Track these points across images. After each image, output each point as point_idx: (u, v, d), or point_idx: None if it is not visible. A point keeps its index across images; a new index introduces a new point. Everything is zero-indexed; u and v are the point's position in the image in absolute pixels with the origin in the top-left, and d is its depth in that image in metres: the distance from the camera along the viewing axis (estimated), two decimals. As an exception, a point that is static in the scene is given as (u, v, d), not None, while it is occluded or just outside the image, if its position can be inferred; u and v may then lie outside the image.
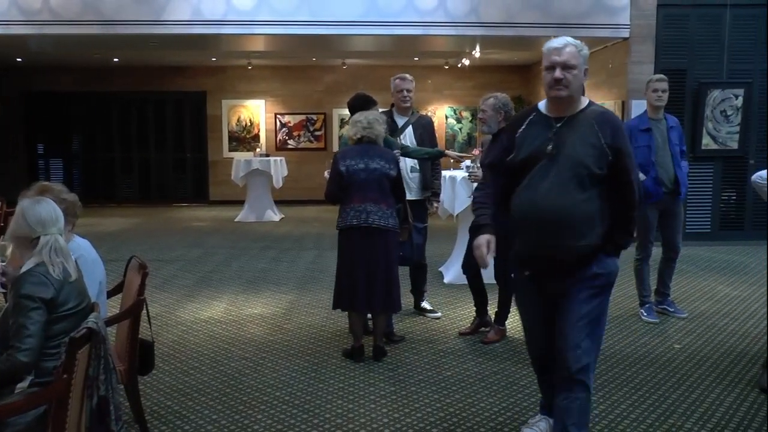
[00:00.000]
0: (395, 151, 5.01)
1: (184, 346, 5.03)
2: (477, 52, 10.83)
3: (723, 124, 9.23)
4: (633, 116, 9.16)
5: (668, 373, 4.50)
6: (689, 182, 9.30)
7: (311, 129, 14.70)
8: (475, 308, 5.35)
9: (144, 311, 3.42)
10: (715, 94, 9.15)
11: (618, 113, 9.52)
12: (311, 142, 14.72)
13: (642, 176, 4.88)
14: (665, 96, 5.54)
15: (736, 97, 9.19)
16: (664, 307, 5.87)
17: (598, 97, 10.31)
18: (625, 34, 9.20)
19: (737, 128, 9.28)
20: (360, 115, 4.64)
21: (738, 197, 9.69)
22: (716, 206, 9.52)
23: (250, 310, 6.01)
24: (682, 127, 5.92)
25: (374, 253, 4.51)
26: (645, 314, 5.72)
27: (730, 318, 5.82)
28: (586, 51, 3.05)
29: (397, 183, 4.65)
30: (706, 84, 9.11)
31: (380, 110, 5.45)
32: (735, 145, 9.29)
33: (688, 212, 9.48)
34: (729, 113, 9.24)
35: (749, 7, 9.20)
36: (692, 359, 4.78)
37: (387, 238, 4.55)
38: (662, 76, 5.63)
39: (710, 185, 9.46)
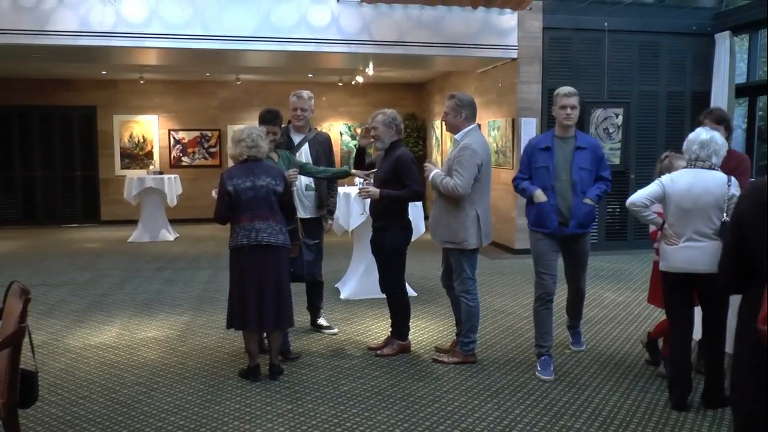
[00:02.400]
0: (292, 170, 5.00)
1: (73, 375, 4.77)
2: (370, 70, 10.97)
3: (606, 141, 9.77)
4: (523, 134, 9.61)
5: (559, 377, 4.69)
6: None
7: (206, 146, 14.41)
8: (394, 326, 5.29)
9: (26, 339, 3.22)
10: (598, 113, 9.69)
11: (509, 131, 9.90)
12: (206, 159, 14.42)
13: (540, 199, 4.67)
14: (575, 113, 4.72)
15: (617, 115, 9.78)
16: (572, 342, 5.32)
17: (490, 115, 10.71)
18: (514, 54, 9.59)
19: (619, 145, 9.86)
20: (242, 133, 4.54)
21: (621, 210, 10.26)
22: (602, 218, 10.04)
23: (144, 334, 5.79)
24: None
25: (264, 270, 4.46)
26: (539, 368, 4.74)
27: (615, 323, 6.14)
28: None
29: (285, 199, 4.62)
30: (589, 103, 9.63)
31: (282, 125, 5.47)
32: (617, 161, 9.85)
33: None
34: (611, 131, 9.81)
35: (625, 33, 9.88)
36: (581, 363, 5.00)
37: (277, 255, 4.51)
38: (571, 89, 4.72)
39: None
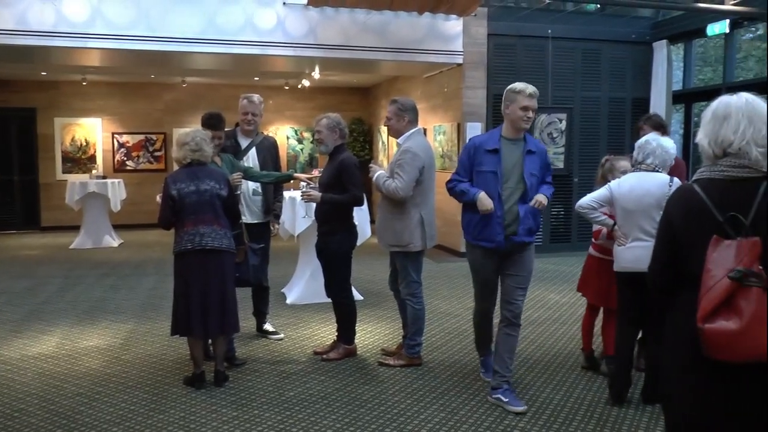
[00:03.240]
0: (237, 174, 4.97)
1: (9, 387, 4.61)
2: (316, 74, 10.97)
3: (550, 145, 9.98)
4: (468, 138, 9.71)
5: (503, 379, 4.76)
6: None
7: (151, 149, 14.15)
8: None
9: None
10: (542, 118, 9.89)
11: (454, 135, 10.01)
12: (151, 163, 14.16)
13: (486, 206, 4.09)
14: (534, 116, 4.24)
15: (560, 120, 10.00)
16: (498, 396, 4.26)
17: (436, 120, 10.82)
18: (459, 60, 9.72)
19: (563, 149, 10.08)
20: (186, 136, 4.50)
21: (565, 213, 10.50)
22: (547, 221, 10.23)
23: (86, 343, 5.65)
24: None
25: (209, 275, 4.42)
26: (483, 371, 4.64)
27: (559, 323, 6.28)
28: None
29: (229, 203, 4.57)
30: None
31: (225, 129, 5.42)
32: (561, 165, 10.07)
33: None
34: (555, 135, 10.02)
35: (568, 40, 10.12)
36: (525, 364, 5.09)
37: (221, 260, 4.46)
38: (535, 90, 4.19)
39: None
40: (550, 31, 9.88)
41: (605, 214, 4.33)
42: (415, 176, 4.71)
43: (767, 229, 2.08)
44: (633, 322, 4.24)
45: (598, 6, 10.13)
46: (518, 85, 4.17)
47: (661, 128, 4.90)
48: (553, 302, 7.14)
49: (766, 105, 2.19)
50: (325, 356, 5.15)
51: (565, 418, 4.08)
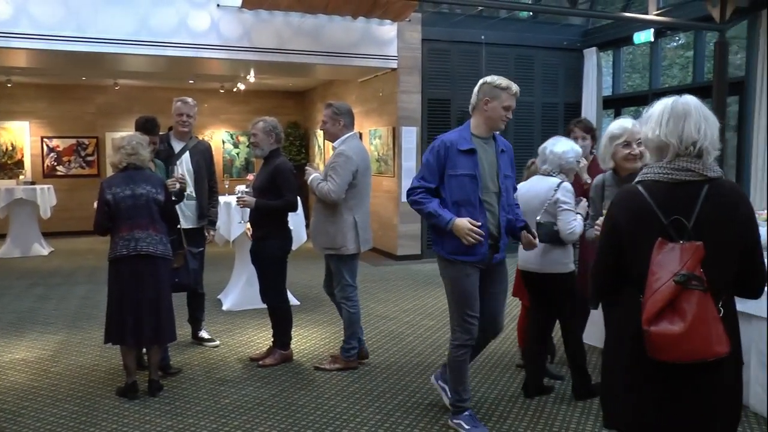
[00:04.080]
0: (179, 176, 4.91)
1: (-74, 403, 4.43)
2: (252, 77, 10.90)
3: (484, 148, 10.13)
4: (403, 142, 9.82)
5: (438, 380, 4.84)
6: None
7: (83, 154, 13.75)
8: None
9: None
10: (476, 122, 10.02)
11: (390, 139, 10.09)
12: (83, 168, 13.77)
13: (466, 234, 3.58)
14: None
15: (494, 124, 10.16)
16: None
17: (371, 124, 10.88)
18: (394, 64, 9.81)
19: (497, 153, 10.24)
20: (123, 140, 4.44)
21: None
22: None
23: (11, 356, 5.45)
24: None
25: (143, 281, 4.34)
26: (466, 427, 3.86)
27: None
28: None
29: (167, 207, 4.51)
30: (468, 112, 9.92)
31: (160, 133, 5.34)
32: (495, 168, 10.23)
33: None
34: (489, 139, 10.18)
35: (501, 46, 10.33)
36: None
37: (156, 266, 4.39)
38: (518, 88, 3.88)
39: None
40: (483, 37, 10.07)
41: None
42: (348, 179, 4.75)
43: (708, 232, 2.12)
44: (534, 316, 4.49)
45: (531, 13, 10.40)
46: (502, 81, 3.77)
47: (590, 132, 5.06)
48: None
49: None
50: (261, 362, 5.13)
51: (500, 415, 4.17)
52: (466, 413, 3.90)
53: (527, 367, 4.54)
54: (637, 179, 2.28)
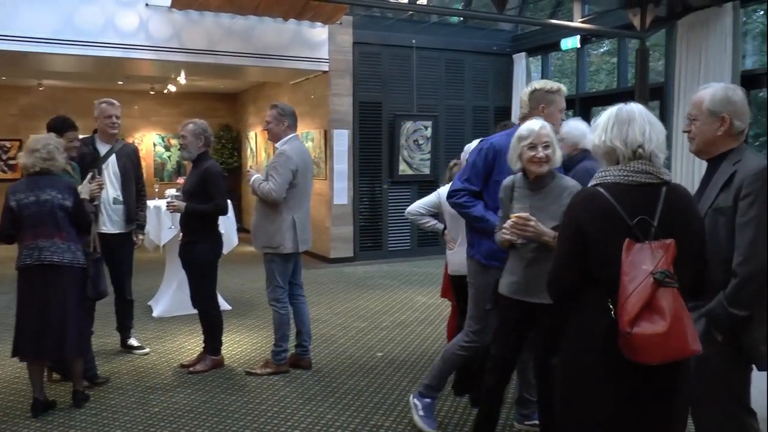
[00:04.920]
0: (96, 180, 4.74)
1: None
2: (182, 78, 10.73)
3: (416, 152, 10.30)
4: (335, 145, 9.83)
5: (371, 380, 4.89)
6: (391, 205, 10.32)
7: (4, 157, 13.22)
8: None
9: None
10: (408, 125, 10.18)
11: (322, 142, 10.09)
12: (4, 172, 13.20)
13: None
14: None
15: (426, 127, 10.34)
16: None
17: (303, 127, 10.83)
18: (325, 67, 9.82)
19: (428, 155, 10.43)
20: (38, 143, 4.21)
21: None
22: (414, 225, 10.45)
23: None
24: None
25: (48, 292, 4.14)
26: (422, 413, 3.98)
27: (426, 323, 6.50)
28: None
29: (76, 213, 4.27)
30: (400, 116, 10.10)
31: (81, 136, 5.19)
32: (427, 171, 10.42)
33: (389, 232, 10.40)
34: (421, 142, 10.35)
35: (432, 50, 10.48)
36: (392, 365, 5.24)
37: (62, 275, 4.18)
38: (565, 87, 3.86)
39: (407, 206, 10.35)
40: (414, 41, 10.19)
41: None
42: (288, 178, 4.77)
43: (670, 233, 2.15)
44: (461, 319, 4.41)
45: (461, 18, 10.58)
46: (552, 84, 3.73)
47: None
48: (420, 304, 7.37)
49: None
50: (191, 369, 5.06)
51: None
52: (428, 400, 3.97)
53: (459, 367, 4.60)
54: (594, 182, 2.30)
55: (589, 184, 2.32)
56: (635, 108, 2.30)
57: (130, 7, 8.54)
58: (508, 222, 3.10)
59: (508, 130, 3.71)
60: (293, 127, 5.02)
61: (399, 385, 4.77)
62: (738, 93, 2.67)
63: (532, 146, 3.17)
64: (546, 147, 3.18)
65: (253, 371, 5.01)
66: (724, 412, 2.63)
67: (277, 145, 4.98)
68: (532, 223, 3.05)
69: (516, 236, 3.09)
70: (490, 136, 3.93)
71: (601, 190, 2.23)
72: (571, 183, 3.28)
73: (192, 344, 5.75)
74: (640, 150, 2.23)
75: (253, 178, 4.89)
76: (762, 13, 10.45)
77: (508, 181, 3.36)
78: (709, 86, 2.72)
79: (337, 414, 4.25)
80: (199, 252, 4.94)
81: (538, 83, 3.74)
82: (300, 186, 4.89)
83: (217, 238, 5.09)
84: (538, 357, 3.33)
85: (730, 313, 2.47)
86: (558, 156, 3.21)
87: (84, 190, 4.57)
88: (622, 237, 2.14)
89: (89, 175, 4.77)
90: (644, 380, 2.17)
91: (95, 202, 4.77)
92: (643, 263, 2.08)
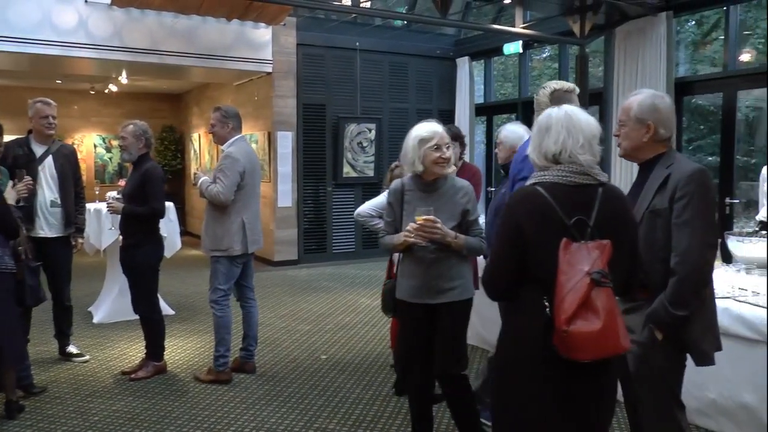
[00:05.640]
0: (25, 181, 4.52)
1: None
2: (124, 78, 10.51)
3: (360, 154, 10.34)
4: (279, 147, 9.79)
5: (315, 382, 4.91)
6: (335, 208, 10.33)
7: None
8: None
9: None
10: (352, 128, 10.22)
11: (266, 144, 10.04)
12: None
13: None
14: None
15: (370, 130, 10.39)
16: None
17: (247, 129, 10.72)
18: (269, 69, 9.76)
19: (372, 158, 10.48)
20: None
21: (376, 218, 10.89)
22: (359, 228, 10.53)
23: None
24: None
25: None
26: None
27: (370, 326, 6.55)
28: None
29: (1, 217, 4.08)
30: (344, 118, 10.13)
31: (15, 137, 5.06)
32: (371, 173, 10.47)
33: (334, 234, 10.42)
34: (365, 145, 10.40)
35: (376, 53, 10.55)
36: (336, 367, 5.27)
37: None
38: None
39: (352, 209, 10.41)
40: (358, 43, 10.23)
41: None
42: (236, 180, 4.74)
43: (606, 233, 2.21)
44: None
45: (405, 21, 10.67)
46: (569, 85, 3.72)
47: (459, 138, 5.20)
48: (365, 306, 7.41)
49: (585, 116, 2.32)
50: (133, 376, 4.96)
51: (374, 415, 4.29)
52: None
53: (397, 366, 4.66)
54: (532, 181, 2.31)
55: (527, 183, 2.35)
56: (556, 114, 2.33)
57: (68, 3, 8.30)
58: (413, 225, 3.14)
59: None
60: (238, 128, 5.00)
61: (343, 387, 4.80)
62: (665, 101, 2.78)
63: (437, 147, 3.23)
64: (448, 148, 3.25)
65: (199, 377, 4.96)
66: (663, 409, 2.75)
67: (222, 147, 4.95)
68: (439, 225, 3.13)
69: (422, 239, 3.14)
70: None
71: (540, 189, 2.25)
72: (464, 183, 3.37)
73: (134, 350, 5.65)
74: (557, 158, 2.27)
75: (200, 181, 4.84)
76: (693, 23, 10.89)
77: (397, 184, 3.39)
78: (639, 93, 2.82)
79: (282, 417, 4.25)
80: (139, 255, 4.87)
81: (555, 84, 3.73)
82: (248, 187, 4.87)
83: (158, 242, 5.03)
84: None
85: (672, 313, 2.56)
86: (452, 156, 3.30)
87: (10, 193, 4.36)
88: (559, 236, 2.18)
89: (17, 177, 4.59)
90: (577, 377, 2.23)
91: (21, 204, 4.54)
92: (579, 263, 2.12)
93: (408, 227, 3.17)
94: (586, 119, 2.32)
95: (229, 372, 4.96)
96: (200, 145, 13.24)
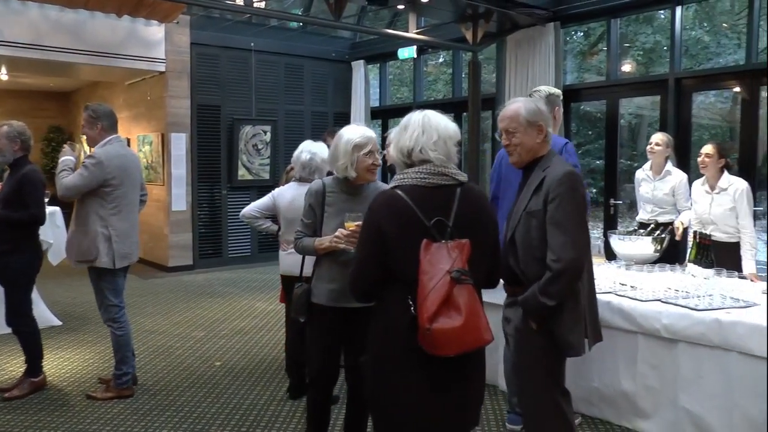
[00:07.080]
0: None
1: None
2: (4, 74, 9.91)
3: (255, 156, 10.22)
4: (173, 149, 9.53)
5: (209, 390, 4.81)
6: (230, 211, 10.14)
7: None
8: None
9: None
10: (247, 130, 10.09)
11: (160, 146, 9.75)
12: None
13: None
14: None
15: (265, 132, 10.29)
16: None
17: (140, 129, 10.43)
18: (162, 68, 9.47)
19: (268, 160, 10.38)
20: None
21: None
22: (254, 232, 10.38)
23: None
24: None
25: None
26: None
27: (265, 330, 6.49)
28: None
29: None
30: (238, 120, 9.98)
31: None
32: (267, 176, 10.36)
33: (230, 239, 10.25)
34: (260, 147, 10.28)
35: (271, 54, 10.46)
36: (231, 373, 5.19)
37: None
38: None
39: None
40: (253, 44, 10.11)
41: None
42: (90, 183, 4.35)
43: (466, 232, 2.31)
44: (292, 324, 4.40)
45: (300, 23, 10.64)
46: (556, 89, 4.23)
47: None
48: (260, 310, 7.34)
49: (444, 119, 2.46)
50: (7, 395, 4.61)
51: (269, 419, 4.26)
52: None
53: (290, 369, 4.67)
54: (392, 184, 2.41)
55: (389, 186, 2.47)
56: (416, 115, 2.47)
57: (-63, -8, 7.76)
58: (343, 231, 3.09)
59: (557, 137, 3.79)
60: (109, 129, 4.58)
61: (237, 394, 4.73)
62: (540, 103, 3.06)
63: (371, 153, 3.20)
64: (378, 153, 3.25)
65: (94, 395, 4.64)
66: (543, 394, 2.92)
67: (94, 149, 4.56)
68: None
69: (353, 245, 3.03)
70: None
71: (400, 192, 2.34)
72: (386, 186, 3.42)
73: (14, 366, 5.30)
74: (412, 155, 2.40)
75: (62, 159, 4.48)
76: (582, 34, 11.48)
77: (317, 185, 3.31)
78: (515, 101, 3.00)
79: (173, 428, 4.14)
80: (13, 264, 4.56)
81: (547, 89, 4.17)
82: (119, 194, 4.48)
83: (35, 250, 4.72)
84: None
85: (540, 302, 2.74)
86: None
87: None
88: (420, 237, 2.27)
89: None
90: (444, 370, 2.32)
91: None
92: (440, 262, 2.21)
93: (338, 232, 3.11)
94: (444, 122, 2.47)
95: (131, 387, 4.71)
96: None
